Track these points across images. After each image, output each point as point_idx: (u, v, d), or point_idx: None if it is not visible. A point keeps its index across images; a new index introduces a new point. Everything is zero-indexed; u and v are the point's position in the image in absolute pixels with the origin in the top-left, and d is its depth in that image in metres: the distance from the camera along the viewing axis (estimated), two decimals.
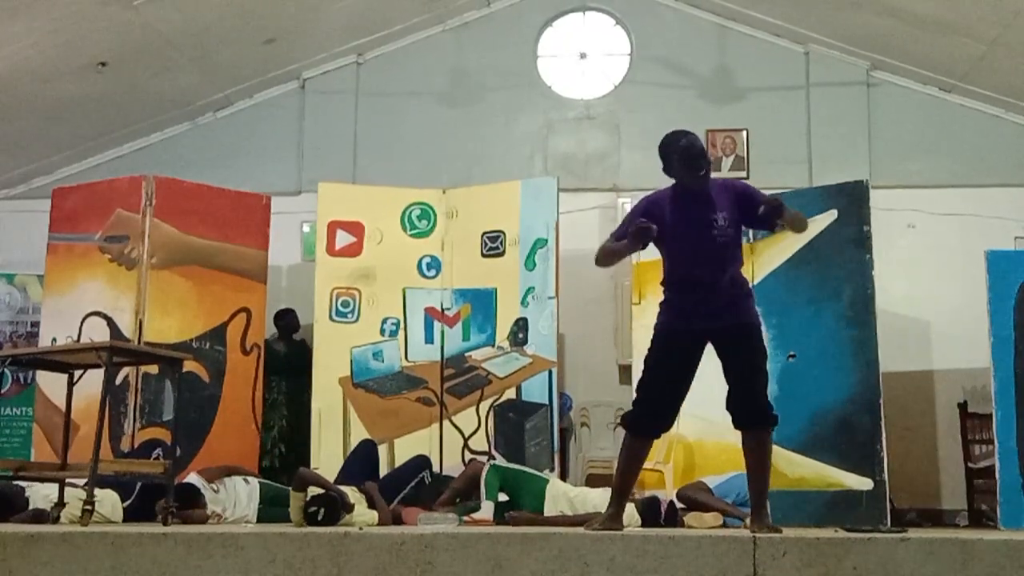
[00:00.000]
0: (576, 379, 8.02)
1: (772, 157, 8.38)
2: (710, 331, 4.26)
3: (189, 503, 5.63)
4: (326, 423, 6.83)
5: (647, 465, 6.50)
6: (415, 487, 6.62)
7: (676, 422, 4.38)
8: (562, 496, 5.81)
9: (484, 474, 5.87)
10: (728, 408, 4.26)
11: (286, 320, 7.81)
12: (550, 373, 6.79)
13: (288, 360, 7.52)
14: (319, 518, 5.15)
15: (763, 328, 4.48)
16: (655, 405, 4.26)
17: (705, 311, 4.25)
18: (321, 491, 5.39)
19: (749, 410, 4.21)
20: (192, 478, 5.88)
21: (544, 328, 6.82)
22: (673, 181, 4.39)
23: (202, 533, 3.34)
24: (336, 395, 6.90)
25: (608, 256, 4.47)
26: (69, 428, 5.20)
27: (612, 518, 4.19)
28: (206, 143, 8.81)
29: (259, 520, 5.85)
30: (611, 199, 8.29)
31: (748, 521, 4.34)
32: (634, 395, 4.39)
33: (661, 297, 4.41)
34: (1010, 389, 6.10)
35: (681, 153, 4.29)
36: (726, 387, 4.29)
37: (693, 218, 4.29)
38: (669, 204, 4.35)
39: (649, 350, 4.36)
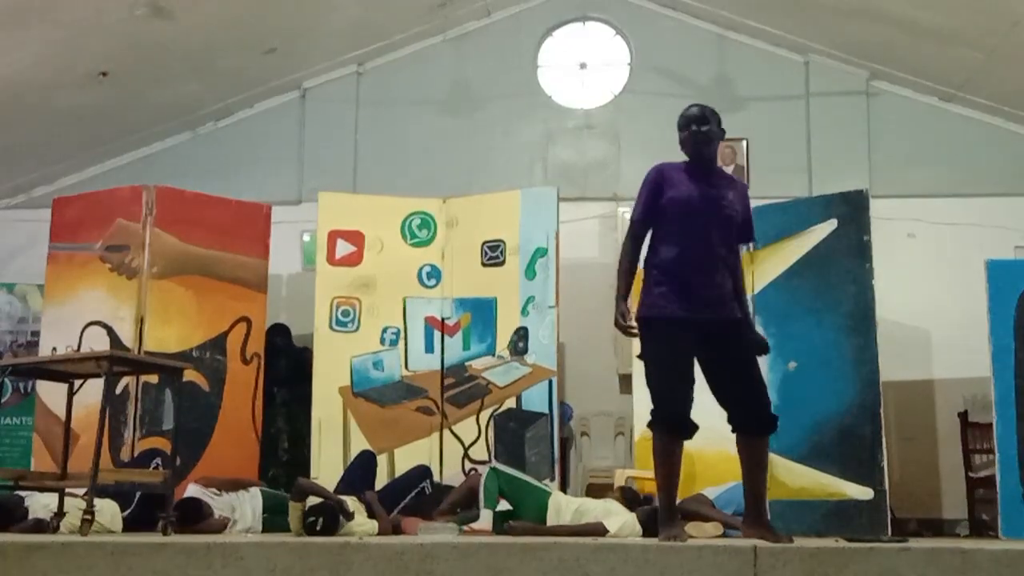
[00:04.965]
0: (576, 389, 8.01)
1: (772, 166, 8.39)
2: (705, 323, 4.15)
3: (197, 517, 5.61)
4: (326, 433, 6.82)
5: (648, 475, 6.52)
6: (415, 497, 6.63)
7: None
8: (564, 508, 5.78)
9: (483, 479, 5.84)
10: (730, 411, 4.17)
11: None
12: (550, 382, 6.78)
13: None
14: (317, 528, 5.15)
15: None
16: (669, 399, 4.11)
17: (701, 299, 4.14)
18: (320, 500, 5.39)
19: (756, 415, 4.15)
20: (192, 490, 5.87)
21: (544, 337, 6.82)
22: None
23: (202, 543, 3.33)
24: (336, 404, 6.89)
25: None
26: (69, 437, 5.20)
27: (670, 529, 4.03)
28: (207, 152, 8.83)
29: (263, 529, 5.86)
30: (611, 208, 8.31)
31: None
32: (648, 395, 4.23)
33: None
34: (1010, 398, 6.09)
35: (682, 118, 4.34)
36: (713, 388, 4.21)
37: (703, 191, 4.23)
38: (681, 176, 4.29)
39: (642, 344, 4.24)
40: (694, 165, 4.35)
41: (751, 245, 6.86)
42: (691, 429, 4.16)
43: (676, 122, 4.41)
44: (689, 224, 4.20)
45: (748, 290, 6.74)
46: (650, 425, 4.21)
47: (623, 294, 4.28)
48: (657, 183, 4.29)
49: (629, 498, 6.02)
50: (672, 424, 4.15)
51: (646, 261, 4.34)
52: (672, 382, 4.14)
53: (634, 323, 4.24)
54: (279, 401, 7.46)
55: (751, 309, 6.69)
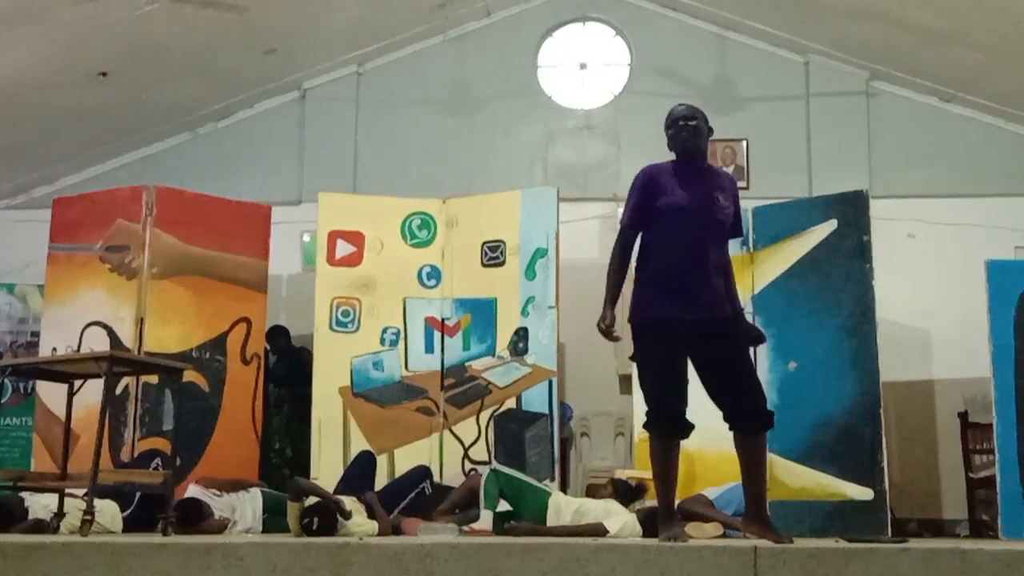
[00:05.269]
0: (576, 389, 8.01)
1: (772, 167, 8.40)
2: (698, 323, 4.11)
3: (197, 517, 5.61)
4: (326, 433, 6.82)
5: (647, 475, 6.52)
6: (415, 497, 6.62)
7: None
8: (564, 508, 5.79)
9: (483, 480, 5.84)
10: (726, 409, 4.16)
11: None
12: (550, 383, 6.78)
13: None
14: (314, 527, 5.14)
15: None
16: (664, 400, 4.10)
17: (695, 302, 4.11)
18: (317, 500, 5.39)
19: (753, 412, 4.12)
20: (192, 490, 5.87)
21: (544, 338, 6.81)
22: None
23: (202, 543, 3.33)
24: (336, 405, 6.89)
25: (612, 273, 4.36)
26: (69, 438, 5.20)
27: (670, 529, 4.03)
28: (207, 153, 8.83)
29: (264, 530, 5.86)
30: (611, 209, 8.29)
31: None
32: (642, 397, 4.22)
33: None
34: (1010, 399, 6.10)
35: (669, 117, 4.30)
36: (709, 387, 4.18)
37: (695, 192, 4.18)
38: (672, 178, 4.23)
39: (635, 347, 4.22)
40: (683, 164, 4.30)
41: (751, 244, 6.88)
42: (687, 429, 4.16)
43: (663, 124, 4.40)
44: (683, 228, 4.16)
45: (748, 290, 6.81)
46: (646, 426, 4.20)
47: (610, 300, 4.27)
48: (646, 187, 4.25)
49: (621, 491, 6.03)
50: (668, 425, 4.14)
51: (638, 264, 4.31)
52: (666, 383, 4.13)
53: (616, 330, 4.23)
54: (273, 401, 7.46)
55: (751, 309, 6.74)
